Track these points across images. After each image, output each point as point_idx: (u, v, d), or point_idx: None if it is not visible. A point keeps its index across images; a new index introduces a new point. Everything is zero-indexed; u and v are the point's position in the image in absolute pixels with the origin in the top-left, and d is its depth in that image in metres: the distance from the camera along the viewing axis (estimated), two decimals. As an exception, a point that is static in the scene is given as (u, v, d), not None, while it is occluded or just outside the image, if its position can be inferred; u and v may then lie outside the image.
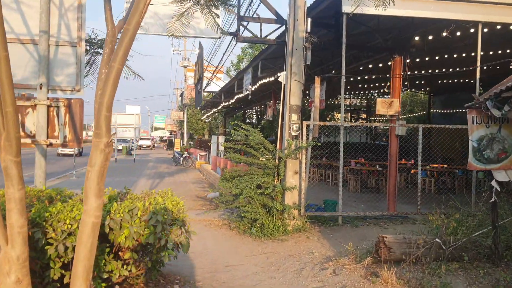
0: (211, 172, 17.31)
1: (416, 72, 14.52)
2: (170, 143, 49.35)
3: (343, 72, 7.80)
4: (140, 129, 29.36)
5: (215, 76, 22.17)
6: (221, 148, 18.15)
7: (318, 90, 7.68)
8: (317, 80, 7.79)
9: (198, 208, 10.21)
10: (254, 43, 8.34)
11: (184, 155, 24.56)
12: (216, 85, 24.86)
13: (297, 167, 7.64)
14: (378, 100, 9.51)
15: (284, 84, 8.18)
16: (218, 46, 22.68)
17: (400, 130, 9.36)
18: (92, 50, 6.38)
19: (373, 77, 13.44)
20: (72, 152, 23.00)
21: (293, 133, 7.89)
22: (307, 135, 7.84)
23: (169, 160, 26.61)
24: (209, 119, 42.43)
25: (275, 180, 7.72)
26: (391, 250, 5.18)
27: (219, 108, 25.14)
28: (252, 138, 7.65)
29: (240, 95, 16.76)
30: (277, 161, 7.78)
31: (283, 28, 8.70)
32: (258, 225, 7.32)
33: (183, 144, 35.57)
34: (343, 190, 8.32)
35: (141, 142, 59.60)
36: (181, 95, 45.67)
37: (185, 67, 44.26)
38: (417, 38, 10.18)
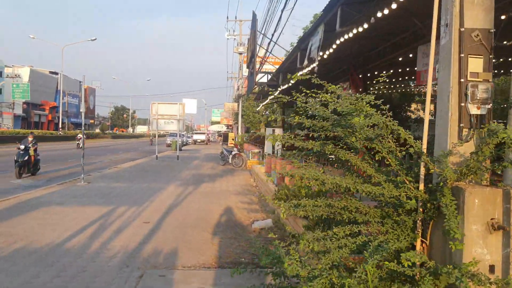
0: (264, 178, 12.52)
1: None
2: (225, 138, 45.69)
3: None
4: (184, 121, 25.35)
5: (270, 52, 17.29)
6: (278, 145, 13.42)
7: None
8: None
9: (227, 257, 5.38)
10: None
11: (233, 153, 20.04)
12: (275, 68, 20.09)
13: (494, 211, 2.54)
14: None
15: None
16: (274, 11, 17.88)
17: None
18: None
19: None
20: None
21: (476, 111, 2.77)
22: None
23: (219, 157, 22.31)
24: (267, 112, 37.62)
25: (418, 244, 2.68)
26: None
27: (276, 94, 20.23)
28: (362, 121, 2.58)
29: (305, 70, 11.71)
30: (422, 188, 2.71)
31: None
32: None
33: (236, 139, 31.32)
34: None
35: (195, 137, 57.08)
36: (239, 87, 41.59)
37: (240, 53, 39.76)
38: None
